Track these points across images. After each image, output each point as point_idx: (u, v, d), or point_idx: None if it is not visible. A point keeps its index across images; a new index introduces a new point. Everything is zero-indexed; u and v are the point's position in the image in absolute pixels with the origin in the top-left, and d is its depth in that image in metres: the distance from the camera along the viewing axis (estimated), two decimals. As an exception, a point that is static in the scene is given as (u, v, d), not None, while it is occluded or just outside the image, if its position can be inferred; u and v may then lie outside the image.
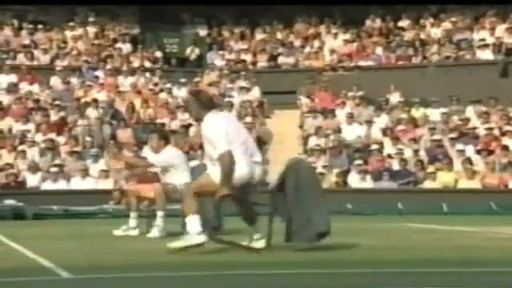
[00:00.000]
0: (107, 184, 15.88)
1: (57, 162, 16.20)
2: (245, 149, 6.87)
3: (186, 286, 5.20)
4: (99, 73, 19.65)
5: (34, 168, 15.91)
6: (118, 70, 19.83)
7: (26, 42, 20.32)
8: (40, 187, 15.74)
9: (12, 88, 18.40)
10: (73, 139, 16.89)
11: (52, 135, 17.08)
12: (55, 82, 19.09)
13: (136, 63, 20.51)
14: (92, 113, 17.97)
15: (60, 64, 19.77)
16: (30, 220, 14.14)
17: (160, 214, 9.28)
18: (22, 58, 19.83)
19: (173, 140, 17.57)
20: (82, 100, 18.44)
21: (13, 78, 18.83)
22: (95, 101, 18.31)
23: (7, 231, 10.16)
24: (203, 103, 6.94)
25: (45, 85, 18.90)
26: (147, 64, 20.68)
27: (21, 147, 16.54)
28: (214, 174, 6.80)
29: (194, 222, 6.75)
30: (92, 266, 6.17)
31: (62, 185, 15.86)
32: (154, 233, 9.20)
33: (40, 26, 20.90)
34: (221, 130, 6.76)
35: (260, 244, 7.03)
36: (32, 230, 11.37)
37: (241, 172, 6.77)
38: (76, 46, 20.65)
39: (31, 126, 17.40)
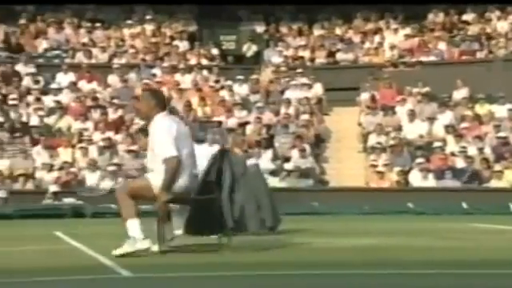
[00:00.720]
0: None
1: (115, 160, 16.41)
2: (191, 161, 6.87)
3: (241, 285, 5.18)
4: (156, 70, 19.85)
5: (93, 166, 16.16)
6: (175, 67, 19.98)
7: (85, 40, 20.65)
8: (99, 186, 15.97)
9: (71, 86, 18.72)
10: (130, 138, 17.09)
11: (110, 133, 17.32)
12: (113, 80, 19.35)
13: (193, 61, 20.64)
14: (149, 111, 18.14)
15: (118, 62, 20.04)
16: (89, 218, 14.36)
17: None
18: (80, 57, 20.15)
19: (230, 138, 17.73)
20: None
21: (71, 76, 19.16)
22: (153, 99, 18.48)
23: (67, 229, 10.34)
24: (158, 102, 6.93)
25: (103, 83, 19.18)
26: (204, 61, 20.79)
27: (80, 145, 16.83)
28: (154, 179, 6.73)
29: (135, 227, 6.65)
30: (152, 265, 6.21)
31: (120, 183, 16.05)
32: None
33: (98, 24, 21.23)
34: (171, 133, 6.75)
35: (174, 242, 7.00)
36: (92, 228, 11.55)
37: (182, 184, 6.76)
38: (134, 43, 20.91)
39: (89, 125, 17.68)
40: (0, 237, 9.79)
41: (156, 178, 6.73)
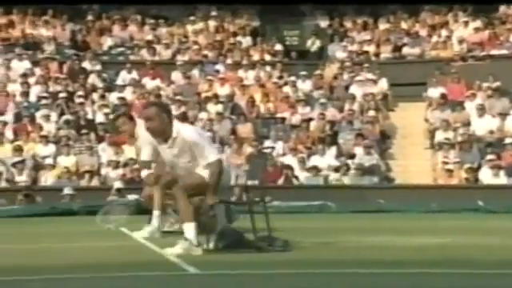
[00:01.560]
0: (228, 179, 16.13)
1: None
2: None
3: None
4: (219, 67, 20.03)
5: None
6: (238, 63, 20.12)
7: (149, 37, 21.00)
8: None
9: (135, 83, 19.05)
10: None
11: (173, 130, 17.54)
12: (176, 76, 19.62)
13: (256, 56, 20.74)
14: (212, 107, 18.34)
15: (181, 59, 20.29)
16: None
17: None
18: (144, 54, 20.50)
19: (294, 134, 17.77)
20: (203, 95, 18.85)
21: (135, 73, 19.49)
22: (216, 95, 18.68)
23: (133, 226, 10.53)
24: (170, 114, 6.88)
25: (166, 80, 19.46)
26: (267, 57, 20.86)
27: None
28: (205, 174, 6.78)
29: (192, 231, 6.66)
30: (217, 262, 6.30)
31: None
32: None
33: (161, 21, 21.54)
34: (204, 137, 6.97)
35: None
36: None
37: (226, 181, 6.93)
38: (197, 40, 21.14)
39: (154, 122, 17.92)
40: (67, 233, 10.06)
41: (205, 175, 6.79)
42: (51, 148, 16.77)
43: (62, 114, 17.78)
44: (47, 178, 16.13)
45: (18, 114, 17.57)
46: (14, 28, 20.62)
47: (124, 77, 19.45)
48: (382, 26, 21.74)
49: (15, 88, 18.46)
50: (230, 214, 7.81)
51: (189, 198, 6.76)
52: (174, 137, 6.83)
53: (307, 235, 8.63)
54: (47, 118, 17.41)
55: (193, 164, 6.90)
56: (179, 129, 6.87)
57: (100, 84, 19.08)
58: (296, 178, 16.53)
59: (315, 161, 16.92)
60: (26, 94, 18.17)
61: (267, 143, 17.59)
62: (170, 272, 5.75)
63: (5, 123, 17.05)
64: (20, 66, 19.17)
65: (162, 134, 6.85)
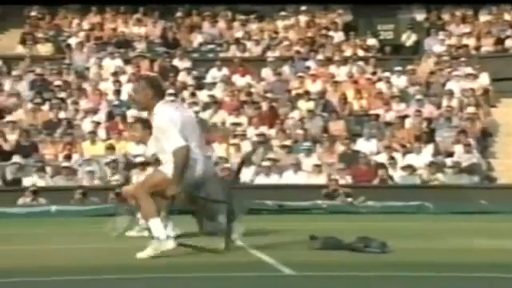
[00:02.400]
0: (320, 179, 16.00)
1: (270, 155, 16.59)
2: (201, 143, 6.80)
3: None
4: (311, 63, 19.88)
5: (247, 162, 16.40)
6: (330, 59, 19.92)
7: (239, 34, 21.05)
8: (253, 181, 16.21)
9: (225, 81, 19.12)
10: (283, 132, 17.22)
11: (263, 128, 17.54)
12: (266, 73, 19.59)
13: (348, 52, 20.49)
14: (303, 105, 18.22)
15: (271, 55, 20.26)
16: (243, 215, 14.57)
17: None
18: (234, 50, 20.56)
19: (388, 132, 17.43)
20: (294, 92, 18.75)
21: (225, 70, 19.57)
22: (307, 92, 18.54)
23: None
24: (157, 91, 6.74)
25: (256, 77, 19.46)
26: (360, 52, 20.57)
27: (233, 140, 17.15)
28: (167, 170, 6.57)
29: (158, 227, 6.55)
30: (314, 264, 6.19)
31: (274, 179, 16.22)
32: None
33: (252, 17, 21.56)
34: (175, 123, 6.56)
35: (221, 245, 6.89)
36: (248, 224, 11.69)
37: (197, 168, 6.63)
38: (287, 35, 21.06)
39: (243, 119, 17.98)
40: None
41: (169, 170, 6.61)
42: (142, 147, 17.02)
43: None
44: (138, 177, 16.37)
45: (110, 113, 17.93)
46: (105, 27, 21.10)
47: (214, 74, 19.56)
48: (483, 17, 21.09)
49: (107, 86, 18.86)
50: (233, 212, 7.48)
51: (153, 195, 6.64)
52: (153, 115, 6.73)
53: (405, 237, 8.41)
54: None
55: (162, 157, 6.75)
56: (157, 109, 6.68)
57: (190, 81, 19.25)
58: (390, 177, 16.21)
59: (410, 159, 16.55)
60: (117, 93, 18.53)
61: (360, 141, 17.34)
62: (264, 273, 5.68)
63: (98, 123, 17.42)
64: (112, 64, 19.57)
65: (144, 108, 6.90)
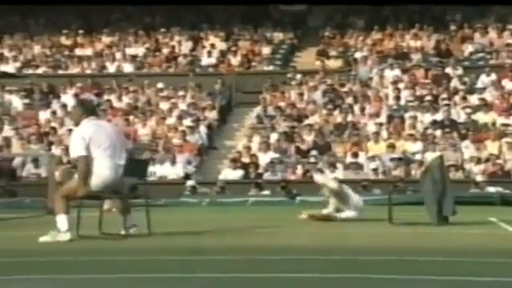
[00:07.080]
0: None
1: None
2: (111, 152, 7.49)
3: None
4: None
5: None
6: None
7: (509, 41, 20.69)
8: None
9: (495, 85, 19.01)
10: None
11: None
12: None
13: None
14: None
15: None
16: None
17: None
18: (503, 57, 20.27)
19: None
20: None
21: (494, 76, 19.41)
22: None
23: (499, 216, 10.65)
24: (85, 110, 7.68)
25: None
26: None
27: (504, 140, 17.01)
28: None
29: (62, 221, 7.37)
30: None
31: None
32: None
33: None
34: (81, 136, 7.45)
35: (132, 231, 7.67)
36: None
37: (104, 173, 7.45)
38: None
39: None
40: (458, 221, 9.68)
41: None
42: (419, 145, 17.56)
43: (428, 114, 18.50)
44: (417, 173, 16.90)
45: (390, 116, 18.72)
46: (385, 42, 21.93)
47: (483, 79, 19.49)
48: None
49: (387, 93, 19.67)
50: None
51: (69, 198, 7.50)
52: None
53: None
54: (415, 118, 18.26)
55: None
56: (80, 125, 7.64)
57: (461, 87, 19.39)
58: None
59: None
60: (396, 98, 19.26)
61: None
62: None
63: (380, 124, 18.30)
64: (391, 74, 20.39)
65: (76, 124, 7.83)
